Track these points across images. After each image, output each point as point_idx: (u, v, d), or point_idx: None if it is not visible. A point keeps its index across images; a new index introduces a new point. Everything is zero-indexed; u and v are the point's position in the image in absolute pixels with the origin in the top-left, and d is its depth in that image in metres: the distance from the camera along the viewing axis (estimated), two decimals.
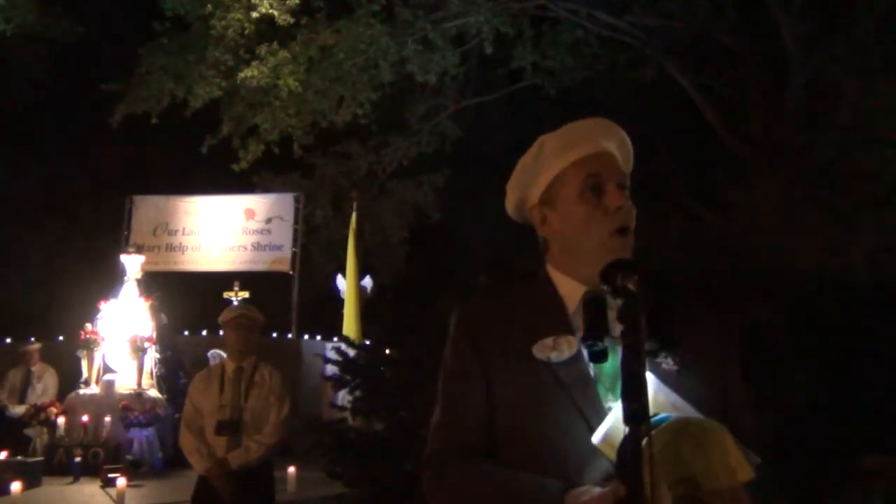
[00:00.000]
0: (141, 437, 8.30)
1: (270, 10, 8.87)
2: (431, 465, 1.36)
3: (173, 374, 9.44)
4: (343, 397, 6.10)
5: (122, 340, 8.83)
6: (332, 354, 5.41)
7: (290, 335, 11.48)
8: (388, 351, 5.44)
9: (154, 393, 8.83)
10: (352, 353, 5.31)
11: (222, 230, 12.39)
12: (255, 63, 9.25)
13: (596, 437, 1.19)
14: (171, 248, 12.36)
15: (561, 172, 1.38)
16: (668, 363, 1.26)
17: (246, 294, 11.01)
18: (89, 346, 8.79)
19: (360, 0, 9.31)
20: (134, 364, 8.80)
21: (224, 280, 11.62)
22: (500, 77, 11.17)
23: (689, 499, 1.06)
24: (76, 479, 7.37)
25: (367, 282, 10.13)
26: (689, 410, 1.18)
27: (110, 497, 6.52)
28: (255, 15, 8.92)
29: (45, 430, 8.17)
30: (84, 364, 8.83)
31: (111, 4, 12.69)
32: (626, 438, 1.04)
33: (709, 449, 1.08)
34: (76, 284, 11.17)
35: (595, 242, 1.32)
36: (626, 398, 1.04)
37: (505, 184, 1.49)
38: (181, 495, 6.46)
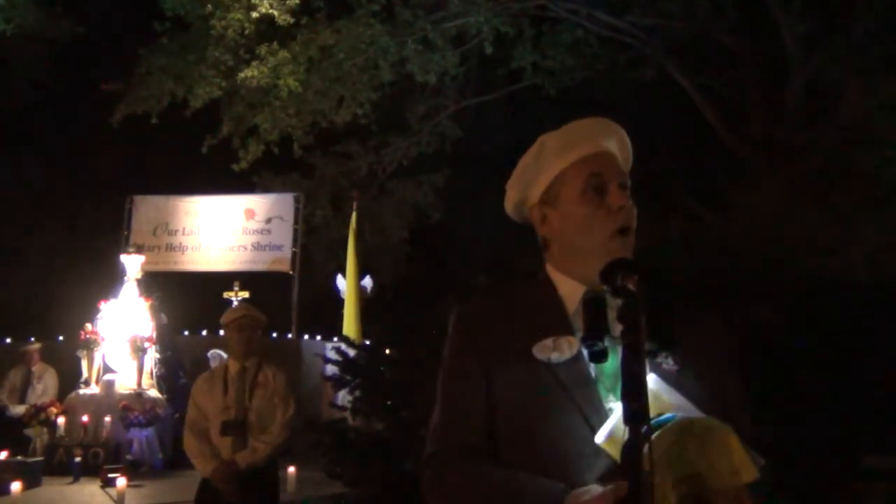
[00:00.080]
0: (141, 437, 8.30)
1: (270, 10, 8.87)
2: (431, 465, 1.35)
3: (173, 374, 9.44)
4: (343, 397, 6.10)
5: (122, 340, 8.83)
6: (332, 354, 5.41)
7: (290, 335, 11.47)
8: (388, 351, 5.44)
9: (154, 393, 8.83)
10: (352, 353, 5.31)
11: (222, 230, 12.39)
12: (255, 63, 9.25)
13: (599, 437, 1.19)
14: (171, 248, 12.36)
15: (562, 172, 1.38)
16: (668, 363, 1.26)
17: (246, 294, 11.01)
18: (89, 346, 8.79)
19: (360, 0, 9.31)
20: (134, 364, 8.80)
21: (224, 280, 11.62)
22: (500, 77, 11.17)
23: (693, 498, 1.06)
24: (76, 479, 7.37)
25: (367, 282, 10.13)
26: (693, 411, 1.18)
27: (110, 497, 6.52)
28: (255, 15, 8.92)
29: (45, 430, 8.17)
30: (84, 364, 8.83)
31: (111, 4, 12.68)
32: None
33: (713, 449, 1.08)
34: (76, 284, 11.17)
35: (596, 242, 1.32)
36: (626, 398, 1.04)
37: (505, 184, 1.49)
38: (181, 495, 6.47)
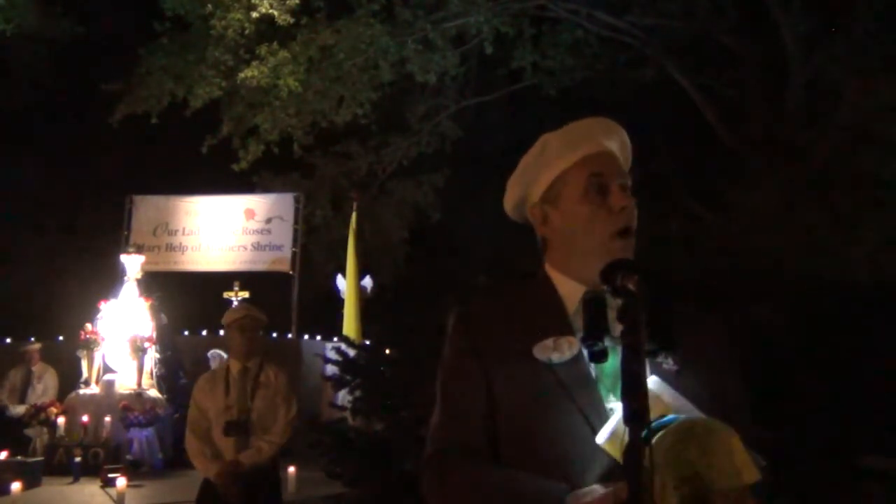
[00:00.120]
0: (141, 437, 8.30)
1: (270, 10, 8.87)
2: (431, 466, 1.35)
3: (173, 374, 9.45)
4: (343, 397, 6.10)
5: (122, 340, 8.83)
6: (332, 354, 5.40)
7: (290, 335, 11.48)
8: (388, 351, 5.44)
9: (154, 393, 8.83)
10: (352, 353, 5.31)
11: (222, 230, 12.39)
12: (255, 63, 9.25)
13: (601, 437, 1.19)
14: (171, 248, 12.36)
15: (564, 171, 1.38)
16: (668, 363, 1.26)
17: (246, 294, 11.02)
18: (89, 346, 8.80)
19: (360, 0, 9.31)
20: (134, 364, 8.80)
21: (224, 280, 11.63)
22: (500, 77, 11.17)
23: (694, 499, 1.06)
24: (76, 479, 7.38)
25: (367, 282, 10.13)
26: (694, 412, 1.18)
27: (110, 497, 6.52)
28: (255, 15, 8.92)
29: (45, 430, 8.17)
30: (84, 364, 8.84)
31: (111, 4, 12.70)
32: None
33: (715, 450, 1.08)
34: (76, 284, 11.18)
35: (597, 242, 1.32)
36: (626, 398, 1.04)
37: (505, 184, 1.49)
38: (181, 495, 6.47)
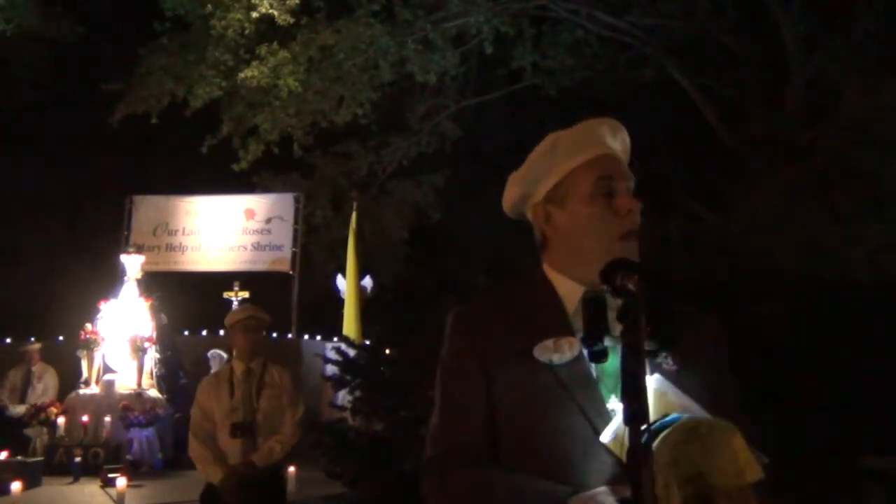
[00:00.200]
0: (141, 437, 8.30)
1: (270, 10, 8.88)
2: (431, 469, 1.33)
3: (173, 374, 9.45)
4: (343, 397, 6.11)
5: (122, 340, 8.83)
6: (332, 354, 5.41)
7: (290, 335, 11.48)
8: (388, 351, 5.44)
9: (154, 393, 8.83)
10: (352, 353, 5.31)
11: (222, 230, 12.40)
12: (255, 63, 9.25)
13: (605, 437, 1.19)
14: (171, 248, 12.36)
15: (572, 171, 1.37)
16: (667, 363, 1.26)
17: (246, 294, 11.03)
18: (89, 346, 8.80)
19: (360, 0, 9.31)
20: (134, 364, 8.80)
21: (224, 280, 11.63)
22: (500, 77, 11.18)
23: (698, 498, 1.06)
24: (76, 479, 7.37)
25: (367, 282, 10.14)
26: (698, 411, 1.18)
27: (110, 497, 6.52)
28: (255, 15, 8.93)
29: (45, 430, 8.17)
30: (84, 364, 8.84)
31: (111, 4, 12.70)
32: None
33: (718, 449, 1.08)
34: (76, 284, 11.18)
35: (601, 244, 1.31)
36: (626, 398, 1.04)
37: (505, 184, 1.48)
38: (181, 495, 6.48)
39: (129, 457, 7.97)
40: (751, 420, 1.34)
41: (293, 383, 3.87)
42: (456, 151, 12.27)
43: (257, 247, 12.28)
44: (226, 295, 11.13)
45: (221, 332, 10.60)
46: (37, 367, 8.95)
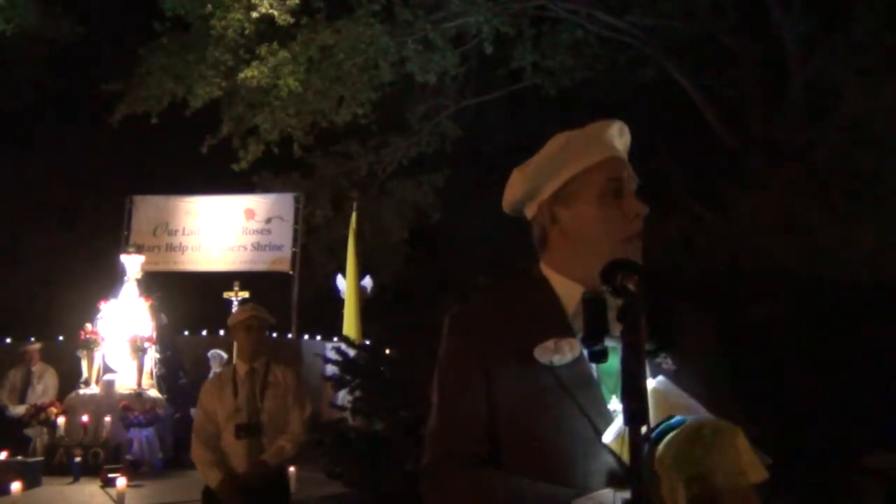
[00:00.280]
0: (141, 437, 8.30)
1: (270, 10, 8.88)
2: (431, 474, 1.32)
3: (173, 374, 9.45)
4: (343, 397, 6.11)
5: (122, 340, 8.83)
6: (332, 354, 5.41)
7: (290, 335, 11.48)
8: (388, 351, 5.44)
9: (154, 393, 8.83)
10: (352, 353, 5.31)
11: (222, 230, 12.40)
12: (255, 63, 9.26)
13: (608, 437, 1.19)
14: (171, 248, 12.36)
15: (582, 172, 1.36)
16: (667, 363, 1.26)
17: (246, 294, 11.03)
18: (89, 346, 8.80)
19: (360, 0, 9.31)
20: (134, 364, 8.80)
21: (224, 280, 11.63)
22: (500, 77, 11.18)
23: (703, 499, 1.06)
24: (76, 479, 7.37)
25: (367, 282, 10.15)
26: (702, 412, 1.18)
27: (110, 497, 6.52)
28: (255, 15, 8.93)
29: (45, 430, 8.17)
30: (84, 364, 8.83)
31: (111, 4, 12.70)
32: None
33: (722, 450, 1.08)
34: (76, 284, 11.17)
35: (606, 246, 1.30)
36: (626, 398, 1.04)
37: (505, 184, 1.47)
38: (181, 495, 6.48)
39: (129, 457, 7.97)
40: (747, 420, 1.34)
41: (298, 383, 3.84)
42: (456, 151, 12.27)
43: (257, 247, 12.28)
44: (226, 295, 11.13)
45: (221, 332, 10.62)
46: (37, 367, 8.95)
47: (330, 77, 9.79)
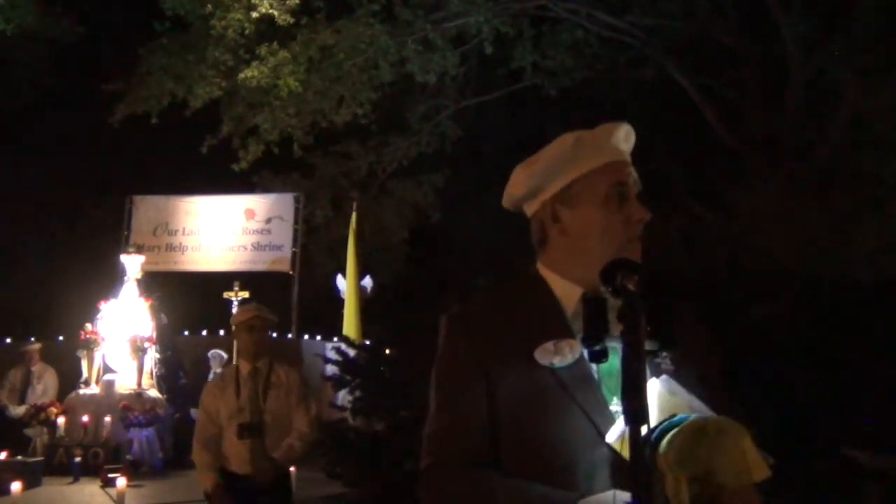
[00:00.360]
0: (141, 437, 8.30)
1: (270, 10, 8.88)
2: (430, 477, 1.31)
3: (173, 374, 9.45)
4: (343, 397, 6.12)
5: (122, 340, 8.83)
6: (332, 354, 5.42)
7: (290, 335, 11.48)
8: (388, 351, 5.45)
9: (154, 393, 8.83)
10: (352, 353, 5.32)
11: (222, 230, 12.40)
12: (255, 63, 9.26)
13: (611, 437, 1.19)
14: (171, 248, 12.36)
15: (589, 173, 1.35)
16: (667, 363, 1.26)
17: (246, 294, 11.02)
18: (89, 346, 8.79)
19: (360, 0, 9.32)
20: (134, 364, 8.80)
21: (224, 280, 11.63)
22: (500, 77, 11.18)
23: (706, 497, 1.06)
24: (76, 479, 7.37)
25: (367, 282, 10.15)
26: (705, 411, 1.18)
27: (110, 497, 6.52)
28: (255, 15, 8.93)
29: (45, 430, 8.16)
30: (84, 364, 8.83)
31: (111, 4, 12.71)
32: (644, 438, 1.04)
33: (725, 448, 1.08)
34: (76, 284, 11.18)
35: (607, 249, 1.30)
36: (626, 398, 1.04)
37: (505, 184, 1.47)
38: (181, 495, 6.48)
39: (129, 457, 7.97)
40: (749, 419, 1.34)
41: (302, 382, 3.83)
42: (456, 151, 12.27)
43: (257, 247, 12.28)
44: (226, 295, 11.13)
45: (221, 332, 10.62)
46: (37, 367, 8.95)
47: (330, 77, 9.79)
